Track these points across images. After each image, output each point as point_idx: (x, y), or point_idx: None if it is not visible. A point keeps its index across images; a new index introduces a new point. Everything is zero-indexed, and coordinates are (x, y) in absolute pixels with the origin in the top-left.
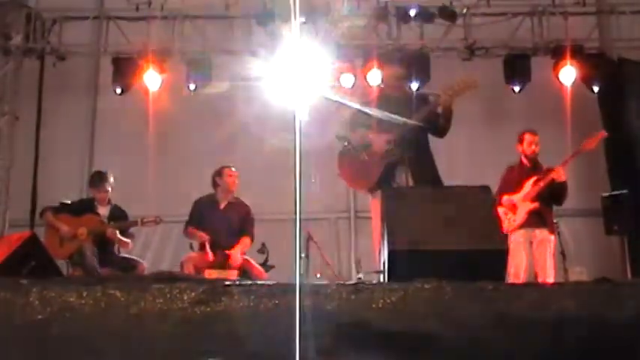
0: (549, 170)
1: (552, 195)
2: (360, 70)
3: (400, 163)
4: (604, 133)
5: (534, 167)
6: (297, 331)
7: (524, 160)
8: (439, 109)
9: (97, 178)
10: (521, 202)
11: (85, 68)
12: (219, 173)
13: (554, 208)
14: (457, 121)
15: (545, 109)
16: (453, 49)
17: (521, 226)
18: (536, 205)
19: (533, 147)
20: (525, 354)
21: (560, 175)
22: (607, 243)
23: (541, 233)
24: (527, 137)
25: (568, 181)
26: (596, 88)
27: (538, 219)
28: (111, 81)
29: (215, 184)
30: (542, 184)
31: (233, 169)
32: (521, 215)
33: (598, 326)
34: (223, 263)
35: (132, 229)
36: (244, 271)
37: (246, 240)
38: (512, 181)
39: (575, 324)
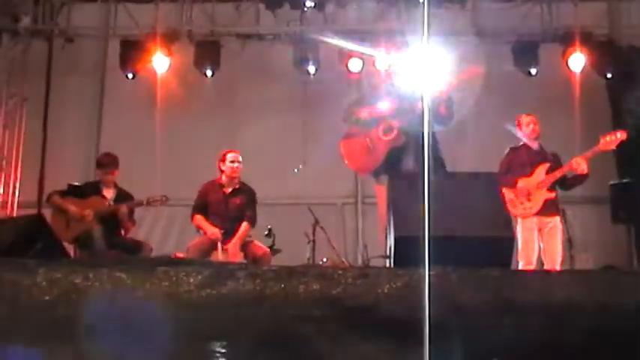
0: (556, 155)
1: (567, 183)
2: (369, 55)
3: (405, 148)
4: (624, 135)
5: (541, 152)
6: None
7: (529, 143)
8: (442, 97)
9: (106, 161)
10: (535, 189)
11: (94, 51)
12: (221, 159)
13: (561, 195)
14: (465, 107)
15: (554, 96)
16: (462, 35)
17: (537, 213)
18: (553, 195)
19: (532, 126)
20: (530, 340)
21: (583, 167)
22: (613, 231)
23: (552, 221)
24: (525, 119)
25: None
26: (607, 75)
27: (552, 207)
28: (119, 63)
29: (220, 170)
30: (558, 174)
31: (234, 153)
32: (537, 203)
33: (603, 314)
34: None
35: (136, 215)
36: (248, 252)
37: (245, 225)
38: (521, 164)
39: (580, 311)
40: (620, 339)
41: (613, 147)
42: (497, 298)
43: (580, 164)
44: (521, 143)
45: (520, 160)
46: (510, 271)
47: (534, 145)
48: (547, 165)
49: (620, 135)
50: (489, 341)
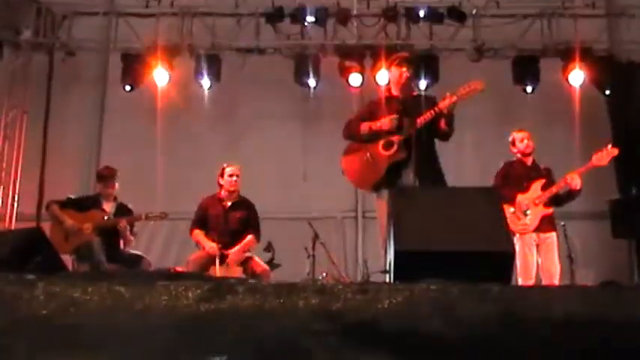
0: (550, 170)
1: (559, 199)
2: (369, 70)
3: (406, 163)
4: (615, 152)
5: (535, 167)
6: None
7: (523, 159)
8: (443, 112)
9: (106, 174)
10: (533, 205)
11: (94, 64)
12: (220, 173)
13: (561, 210)
14: (465, 122)
15: (554, 110)
16: (462, 50)
17: (535, 230)
18: (550, 211)
19: (526, 142)
20: (530, 356)
21: (577, 182)
22: (614, 246)
23: (550, 237)
24: (517, 136)
25: None
26: (606, 92)
27: (549, 223)
28: (120, 77)
29: (219, 184)
30: (554, 190)
31: (233, 167)
32: (535, 220)
33: (603, 329)
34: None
35: (136, 229)
36: (247, 269)
37: (250, 238)
38: (515, 177)
39: (581, 327)
40: (620, 355)
41: (606, 162)
42: (497, 313)
43: (574, 179)
44: (515, 158)
45: (516, 174)
46: (510, 285)
47: (528, 161)
48: (542, 181)
49: (612, 150)
50: (489, 356)
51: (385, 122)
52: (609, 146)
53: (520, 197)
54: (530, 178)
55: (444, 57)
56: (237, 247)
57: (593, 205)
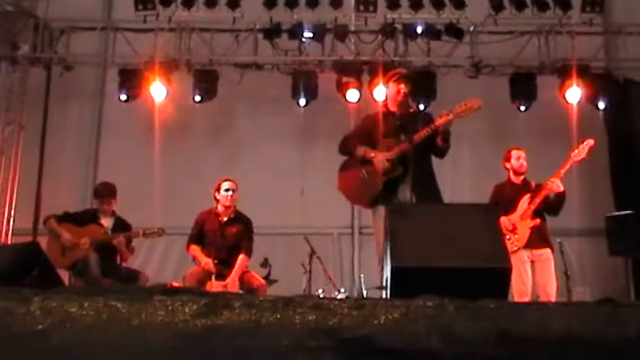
0: (540, 185)
1: (550, 207)
2: (366, 86)
3: (402, 179)
4: (591, 142)
5: (525, 185)
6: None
7: (513, 178)
8: (439, 130)
9: (103, 190)
10: (520, 221)
11: (92, 78)
12: (216, 187)
13: (558, 227)
14: (463, 138)
15: (551, 127)
16: (460, 67)
17: (525, 246)
18: (537, 221)
19: (522, 161)
20: None
21: (558, 185)
22: (611, 263)
23: (544, 253)
24: (514, 153)
25: (573, 200)
26: (601, 106)
27: (540, 238)
28: (117, 92)
29: (215, 199)
30: (538, 199)
31: (229, 182)
32: (524, 235)
33: (600, 347)
34: (224, 278)
35: (134, 243)
36: (244, 283)
37: (242, 258)
38: (506, 200)
39: (578, 344)
40: None
41: (585, 155)
42: (493, 330)
43: (554, 183)
44: (506, 179)
45: (506, 198)
46: (507, 302)
47: (518, 180)
48: (527, 196)
49: (589, 141)
50: None
51: (379, 161)
52: (586, 141)
53: (503, 219)
54: (518, 198)
55: (441, 73)
56: (233, 274)
57: (590, 222)
